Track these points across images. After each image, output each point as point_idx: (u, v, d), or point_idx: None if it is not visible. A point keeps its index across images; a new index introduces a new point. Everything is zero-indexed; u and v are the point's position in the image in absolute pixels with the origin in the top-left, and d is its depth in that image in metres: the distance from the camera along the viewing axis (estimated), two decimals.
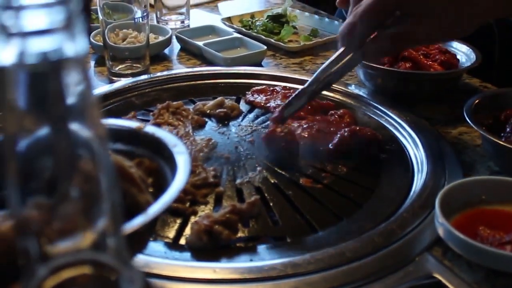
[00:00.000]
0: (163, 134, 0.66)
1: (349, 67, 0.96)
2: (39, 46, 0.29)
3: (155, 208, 0.52)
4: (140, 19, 1.21)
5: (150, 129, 0.68)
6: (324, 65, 0.95)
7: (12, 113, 0.30)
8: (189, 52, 1.35)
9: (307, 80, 1.13)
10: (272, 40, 1.35)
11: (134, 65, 1.23)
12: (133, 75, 1.20)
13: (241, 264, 0.70)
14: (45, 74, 0.30)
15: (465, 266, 0.68)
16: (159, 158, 0.66)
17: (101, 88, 1.13)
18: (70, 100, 0.30)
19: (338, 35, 0.93)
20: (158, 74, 1.19)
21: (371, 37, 0.91)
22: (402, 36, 0.88)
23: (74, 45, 0.29)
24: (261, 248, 0.73)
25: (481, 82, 1.16)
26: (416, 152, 0.91)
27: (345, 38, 0.91)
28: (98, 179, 0.32)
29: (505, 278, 0.66)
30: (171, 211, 0.79)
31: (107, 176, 0.32)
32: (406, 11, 0.88)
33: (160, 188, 0.63)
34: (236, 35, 1.38)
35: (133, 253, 0.56)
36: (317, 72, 0.96)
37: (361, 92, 1.10)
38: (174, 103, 1.03)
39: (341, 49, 0.93)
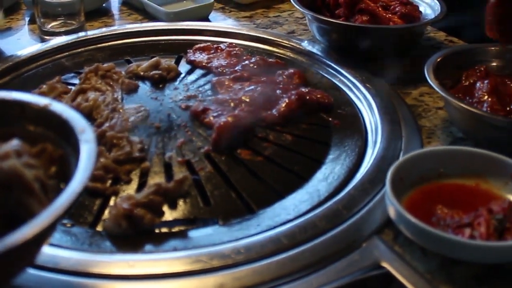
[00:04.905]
0: (71, 115, 0.56)
1: None
2: None
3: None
4: None
5: (57, 107, 0.57)
6: None
7: None
8: (131, 6, 1.23)
9: (257, 36, 1.04)
10: None
11: (68, 22, 1.11)
12: (66, 33, 1.08)
13: (162, 255, 0.60)
14: None
15: (418, 253, 0.60)
16: (65, 143, 0.56)
17: (28, 48, 1.02)
18: None
19: None
20: (92, 32, 1.07)
21: None
22: None
23: None
24: (189, 233, 0.64)
25: (446, 36, 1.06)
26: (371, 117, 0.82)
27: None
28: None
29: (462, 267, 0.58)
30: (88, 192, 0.69)
31: None
32: None
33: (65, 178, 0.53)
34: None
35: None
36: None
37: (314, 49, 0.99)
38: (104, 65, 0.92)
39: None
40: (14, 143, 0.51)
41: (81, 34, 1.06)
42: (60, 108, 0.57)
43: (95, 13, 1.18)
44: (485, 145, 0.69)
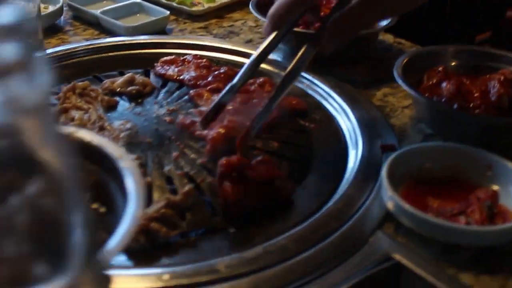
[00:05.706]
0: (102, 142, 0.59)
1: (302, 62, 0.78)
2: None
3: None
4: None
5: (84, 135, 0.59)
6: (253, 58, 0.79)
7: None
8: (84, 21, 1.24)
9: (219, 47, 1.07)
10: (174, 4, 1.26)
11: None
12: None
13: (187, 266, 0.63)
14: None
15: (420, 241, 0.66)
16: (99, 169, 0.58)
17: None
18: None
19: (268, 18, 0.78)
20: (54, 49, 1.08)
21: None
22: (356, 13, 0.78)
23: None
24: (203, 243, 0.68)
25: (395, 37, 1.13)
26: (346, 120, 0.87)
27: (278, 20, 0.77)
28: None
29: (461, 250, 0.64)
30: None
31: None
32: None
33: (105, 203, 0.56)
34: None
35: None
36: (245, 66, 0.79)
37: (276, 56, 1.04)
38: (80, 83, 0.93)
39: (273, 35, 0.79)
40: None
41: (42, 52, 1.07)
42: (87, 136, 0.59)
43: (49, 30, 1.18)
44: (453, 140, 0.77)
